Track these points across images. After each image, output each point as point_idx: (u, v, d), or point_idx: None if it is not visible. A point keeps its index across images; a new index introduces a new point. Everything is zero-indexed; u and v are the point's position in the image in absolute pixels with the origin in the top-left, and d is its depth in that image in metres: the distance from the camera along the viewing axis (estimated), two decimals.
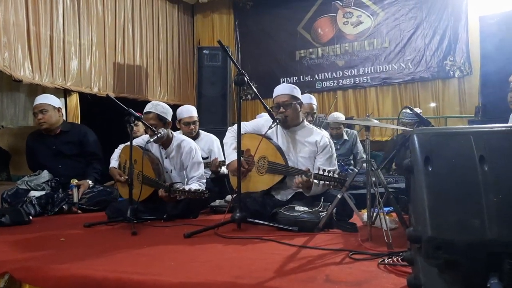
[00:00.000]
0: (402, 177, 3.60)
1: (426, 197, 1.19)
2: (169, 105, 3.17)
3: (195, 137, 3.80)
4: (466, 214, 1.16)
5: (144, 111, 3.05)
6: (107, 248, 2.06)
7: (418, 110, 3.97)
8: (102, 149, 3.81)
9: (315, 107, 3.92)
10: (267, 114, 2.93)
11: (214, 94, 5.74)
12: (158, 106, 3.03)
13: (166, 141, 3.09)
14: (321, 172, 2.50)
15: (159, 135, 2.89)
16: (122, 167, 3.24)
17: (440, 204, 1.18)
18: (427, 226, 1.16)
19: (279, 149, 2.83)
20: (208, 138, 3.96)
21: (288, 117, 2.80)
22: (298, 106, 2.86)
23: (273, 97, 2.88)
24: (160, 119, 3.00)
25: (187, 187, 2.83)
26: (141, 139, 3.21)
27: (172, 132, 3.17)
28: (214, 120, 5.55)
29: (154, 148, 3.16)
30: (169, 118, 3.07)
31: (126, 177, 3.03)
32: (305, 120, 2.96)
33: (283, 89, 2.87)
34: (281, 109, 2.79)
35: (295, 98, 2.83)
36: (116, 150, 3.34)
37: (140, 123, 3.21)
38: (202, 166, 3.15)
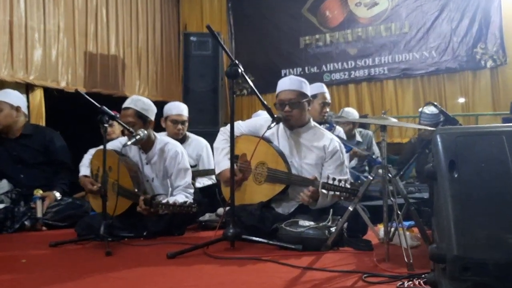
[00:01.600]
0: (425, 186, 3.61)
1: (451, 208, 1.19)
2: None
3: (182, 141, 3.81)
4: (498, 228, 1.16)
5: (123, 106, 3.05)
6: (76, 271, 2.05)
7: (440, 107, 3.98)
8: (71, 155, 3.81)
9: (328, 96, 3.95)
10: (265, 112, 2.93)
11: (203, 89, 5.74)
12: (138, 101, 3.04)
13: (147, 143, 3.09)
14: (330, 181, 2.51)
15: (137, 137, 2.88)
16: (94, 176, 3.24)
17: (468, 217, 1.18)
18: (453, 243, 1.17)
19: (280, 153, 2.83)
20: (197, 143, 3.97)
21: (293, 117, 2.80)
22: (306, 105, 2.86)
23: (277, 92, 2.88)
24: (140, 117, 3.00)
25: (171, 199, 2.83)
26: (117, 142, 3.21)
27: (155, 133, 3.17)
28: (203, 120, 5.55)
29: (133, 152, 3.16)
30: (151, 117, 3.07)
31: (99, 185, 3.02)
32: (311, 120, 2.96)
33: (290, 83, 2.86)
34: (287, 108, 2.79)
35: (304, 95, 2.84)
36: (85, 155, 3.34)
37: (116, 123, 3.21)
38: (189, 174, 3.15)
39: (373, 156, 4.75)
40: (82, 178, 3.23)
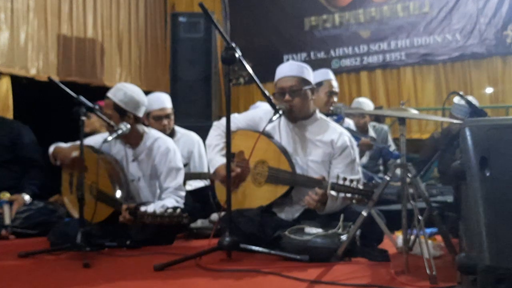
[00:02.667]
0: (449, 188, 3.61)
1: (482, 211, 1.19)
2: None
3: (169, 136, 3.79)
4: None
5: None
6: (50, 286, 2.04)
7: (470, 97, 3.98)
8: (42, 152, 3.80)
9: (335, 84, 3.93)
10: (265, 103, 2.93)
11: (193, 77, 5.73)
12: (119, 91, 3.02)
13: (135, 138, 3.09)
14: (340, 182, 2.51)
15: (119, 131, 2.88)
16: (68, 176, 3.23)
17: (502, 221, 1.18)
18: (485, 251, 1.17)
19: (283, 150, 2.83)
20: (187, 138, 3.96)
21: (295, 107, 2.80)
22: (310, 93, 2.86)
23: (275, 79, 2.88)
24: (117, 110, 2.98)
25: (159, 205, 2.83)
26: (100, 137, 3.19)
27: (145, 127, 3.16)
28: (194, 113, 5.54)
29: (117, 148, 3.16)
30: (135, 112, 3.03)
31: (77, 153, 2.93)
32: (317, 111, 2.96)
33: (289, 69, 2.87)
34: (287, 97, 2.79)
35: (305, 82, 2.84)
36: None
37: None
38: (181, 174, 3.15)
39: (389, 149, 4.73)
40: (57, 148, 3.16)
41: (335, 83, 3.92)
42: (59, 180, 3.42)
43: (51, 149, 3.21)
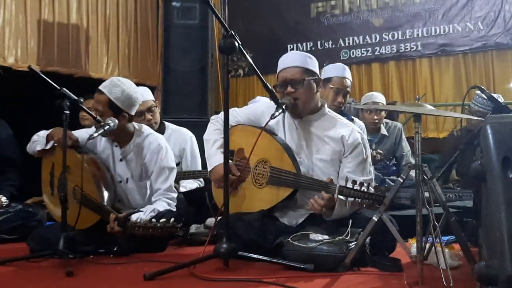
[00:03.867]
0: (468, 192, 3.62)
1: (504, 217, 1.20)
2: None
3: (158, 133, 3.80)
4: None
5: (98, 88, 3.04)
6: None
7: (494, 95, 3.99)
8: (20, 150, 3.80)
9: (349, 82, 3.89)
10: (266, 98, 2.93)
11: (188, 68, 5.72)
12: (116, 88, 3.00)
13: (124, 135, 3.10)
14: (349, 185, 2.51)
15: (106, 127, 2.88)
16: (49, 175, 3.24)
17: None
18: (506, 260, 1.17)
19: (286, 149, 2.83)
20: (179, 135, 3.96)
21: (299, 100, 2.81)
22: (315, 85, 2.87)
23: (278, 71, 2.89)
24: (111, 109, 2.99)
25: (149, 210, 2.85)
26: (85, 133, 3.18)
27: (136, 124, 3.18)
28: (188, 107, 5.54)
29: (102, 146, 3.17)
30: (129, 111, 3.04)
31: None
32: (325, 106, 2.97)
33: (291, 59, 2.88)
34: (289, 89, 2.80)
35: (309, 72, 2.85)
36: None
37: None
38: (173, 175, 3.17)
39: (388, 163, 4.71)
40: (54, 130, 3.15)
41: (347, 82, 3.83)
42: (39, 180, 3.43)
43: (42, 133, 3.19)
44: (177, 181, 3.52)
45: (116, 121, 2.96)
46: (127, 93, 3.02)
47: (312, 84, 2.85)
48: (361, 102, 5.01)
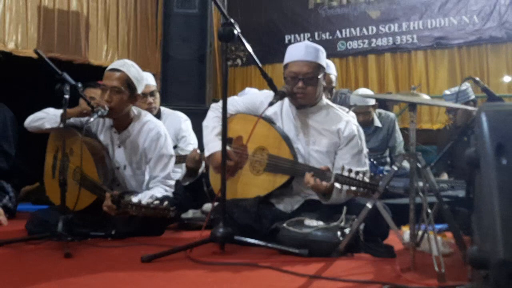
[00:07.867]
0: (461, 182, 3.64)
1: (497, 202, 1.20)
2: None
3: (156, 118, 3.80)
4: None
5: (109, 67, 3.03)
6: (28, 277, 2.05)
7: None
8: (18, 133, 3.80)
9: (334, 78, 3.88)
10: (254, 89, 2.92)
11: (187, 56, 5.70)
12: (132, 68, 3.02)
13: (123, 121, 3.09)
14: (345, 173, 2.52)
15: (99, 112, 2.87)
16: (53, 159, 3.23)
17: None
18: (499, 244, 1.18)
19: (284, 137, 2.83)
20: (173, 118, 3.96)
21: (307, 95, 2.79)
22: (322, 80, 2.86)
23: (286, 62, 2.84)
24: (129, 86, 2.98)
25: (147, 195, 2.84)
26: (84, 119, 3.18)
27: (135, 110, 3.17)
28: (187, 95, 5.53)
29: (104, 132, 3.17)
30: (139, 91, 3.07)
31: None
32: (323, 97, 2.96)
33: (305, 52, 2.79)
34: (300, 84, 2.76)
35: (321, 68, 2.81)
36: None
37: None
38: (172, 163, 3.17)
39: (396, 143, 4.76)
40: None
41: (332, 78, 3.80)
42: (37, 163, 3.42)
43: (52, 110, 3.14)
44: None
45: (107, 107, 2.93)
46: (141, 75, 3.08)
47: (321, 80, 2.83)
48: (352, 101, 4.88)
